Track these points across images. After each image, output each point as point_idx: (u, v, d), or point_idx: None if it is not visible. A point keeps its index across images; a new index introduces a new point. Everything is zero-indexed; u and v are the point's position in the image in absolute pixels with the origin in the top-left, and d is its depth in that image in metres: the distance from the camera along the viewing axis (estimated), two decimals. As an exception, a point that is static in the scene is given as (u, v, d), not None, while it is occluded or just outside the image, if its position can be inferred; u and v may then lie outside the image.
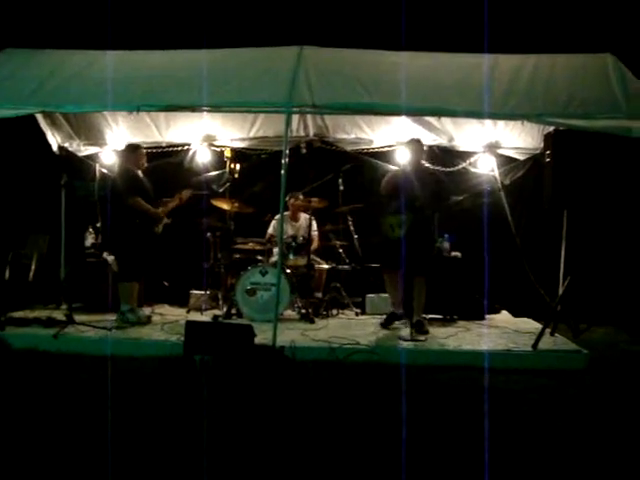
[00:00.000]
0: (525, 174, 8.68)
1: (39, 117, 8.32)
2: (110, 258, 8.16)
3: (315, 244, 8.70)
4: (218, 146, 9.10)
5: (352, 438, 4.14)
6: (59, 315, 7.41)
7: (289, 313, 8.13)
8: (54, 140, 8.82)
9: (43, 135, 8.63)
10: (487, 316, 8.29)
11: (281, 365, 5.54)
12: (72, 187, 8.70)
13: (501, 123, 8.30)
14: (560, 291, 7.11)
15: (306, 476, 3.59)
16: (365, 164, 8.97)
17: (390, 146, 8.93)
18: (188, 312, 8.39)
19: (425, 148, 7.92)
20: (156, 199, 7.64)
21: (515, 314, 8.67)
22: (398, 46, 7.51)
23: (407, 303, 7.38)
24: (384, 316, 7.65)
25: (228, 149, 8.49)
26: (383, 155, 9.02)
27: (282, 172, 6.32)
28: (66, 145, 8.97)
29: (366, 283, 8.70)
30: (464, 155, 8.96)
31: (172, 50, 7.59)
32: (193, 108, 6.81)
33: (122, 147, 8.12)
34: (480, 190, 7.66)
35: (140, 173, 7.60)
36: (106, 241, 8.41)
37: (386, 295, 8.05)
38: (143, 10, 11.32)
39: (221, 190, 8.59)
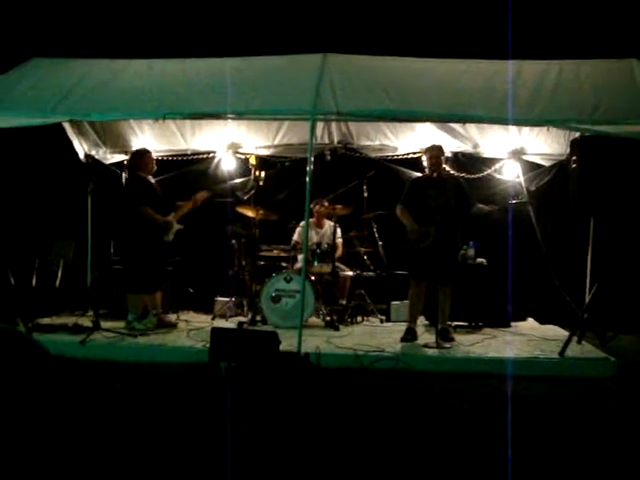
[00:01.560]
0: (551, 180, 8.63)
1: (66, 125, 8.39)
2: None
3: (339, 251, 8.69)
4: (243, 153, 9.15)
5: (377, 445, 4.13)
6: (85, 321, 7.46)
7: (314, 320, 8.12)
8: (81, 148, 8.90)
9: (70, 143, 8.71)
10: (513, 323, 8.23)
11: (306, 372, 5.54)
12: (99, 194, 8.77)
13: (526, 129, 8.27)
14: (587, 298, 7.05)
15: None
16: (390, 171, 8.96)
17: (415, 153, 8.92)
18: (213, 319, 8.41)
19: (448, 154, 7.89)
20: (172, 204, 7.67)
21: (541, 321, 8.60)
22: (421, 53, 7.50)
23: (433, 311, 7.34)
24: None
25: (253, 156, 8.51)
26: (408, 162, 9.00)
27: (307, 179, 6.34)
28: (92, 153, 9.04)
29: (391, 290, 8.67)
30: (489, 162, 8.93)
31: (196, 58, 7.63)
32: (218, 116, 6.85)
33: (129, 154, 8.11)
34: (507, 204, 7.58)
35: (151, 178, 7.63)
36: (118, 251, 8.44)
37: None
38: (168, 19, 11.41)
39: (246, 197, 8.64)
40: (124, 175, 9.16)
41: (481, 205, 7.22)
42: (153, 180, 7.68)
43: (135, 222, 7.32)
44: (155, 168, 7.74)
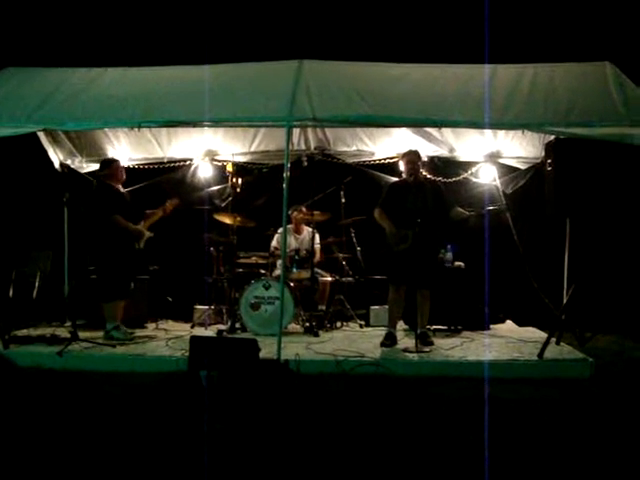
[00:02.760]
0: (527, 183, 8.68)
1: (41, 135, 8.32)
2: None
3: (318, 257, 8.69)
4: (220, 161, 9.13)
5: (358, 450, 4.13)
6: (63, 332, 7.41)
7: (293, 326, 8.12)
8: (56, 157, 8.84)
9: (45, 152, 8.65)
10: (492, 326, 8.28)
11: (286, 379, 5.53)
12: (75, 204, 8.70)
13: (501, 133, 8.32)
14: (565, 299, 7.09)
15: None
16: (367, 176, 8.98)
17: (392, 158, 8.93)
18: (192, 327, 8.39)
19: (424, 159, 7.92)
20: (141, 212, 7.63)
21: (520, 323, 8.65)
22: (397, 58, 7.53)
23: (412, 315, 7.36)
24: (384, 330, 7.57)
25: (230, 164, 8.50)
26: (385, 167, 9.02)
27: (284, 186, 6.34)
28: (68, 162, 8.98)
29: (370, 295, 8.69)
30: (465, 165, 8.97)
31: (172, 66, 7.61)
32: (194, 123, 6.83)
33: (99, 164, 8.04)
34: (485, 211, 7.62)
35: (120, 188, 7.60)
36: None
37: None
38: (143, 27, 11.37)
39: (223, 205, 8.62)
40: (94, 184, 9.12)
41: (460, 209, 7.25)
42: (122, 189, 7.63)
43: (106, 231, 7.29)
44: (124, 177, 7.70)
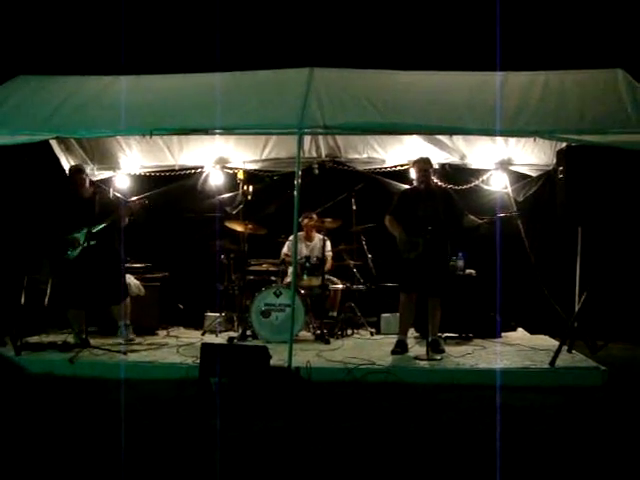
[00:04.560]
0: (538, 190, 8.65)
1: (53, 143, 8.37)
2: (133, 282, 8.17)
3: (329, 264, 8.67)
4: (231, 168, 9.14)
5: (369, 458, 4.12)
6: (75, 339, 7.42)
7: (304, 334, 8.11)
8: (68, 165, 8.86)
9: (57, 160, 8.69)
10: (503, 334, 8.24)
11: (297, 386, 5.52)
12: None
13: (513, 140, 8.29)
14: (576, 307, 7.05)
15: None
16: (378, 183, 8.97)
17: (403, 165, 8.92)
18: (203, 334, 8.38)
19: (435, 166, 7.92)
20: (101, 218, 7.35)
21: (531, 331, 8.61)
22: (408, 65, 7.53)
23: (423, 323, 7.34)
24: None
25: (241, 171, 8.53)
26: (396, 175, 9.01)
27: (295, 193, 6.34)
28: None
29: (380, 302, 8.67)
30: (476, 173, 8.95)
31: (183, 74, 7.63)
32: (206, 131, 6.86)
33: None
34: (496, 218, 7.60)
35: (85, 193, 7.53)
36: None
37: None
38: (154, 35, 11.42)
39: (234, 212, 8.63)
40: (112, 191, 9.14)
41: (471, 217, 7.23)
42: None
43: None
44: (83, 188, 7.55)
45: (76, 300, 7.35)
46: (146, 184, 9.29)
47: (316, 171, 8.90)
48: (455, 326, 7.99)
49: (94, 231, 7.19)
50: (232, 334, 8.13)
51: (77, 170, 7.72)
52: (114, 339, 7.53)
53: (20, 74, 7.79)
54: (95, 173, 9.17)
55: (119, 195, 8.52)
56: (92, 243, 7.27)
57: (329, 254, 8.69)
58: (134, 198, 7.78)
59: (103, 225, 7.28)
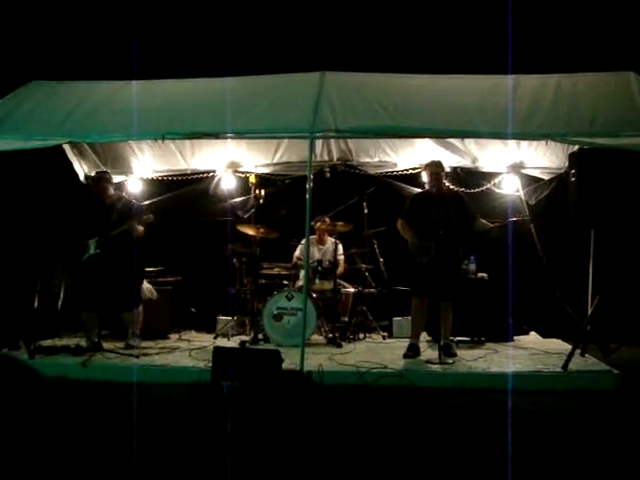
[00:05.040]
0: (550, 194, 8.63)
1: (66, 147, 8.43)
2: (146, 286, 8.19)
3: (341, 268, 8.67)
4: (243, 172, 9.16)
5: (382, 462, 4.11)
6: (88, 342, 7.45)
7: (316, 338, 8.11)
8: (81, 169, 8.93)
9: (70, 165, 8.74)
10: (515, 337, 8.22)
11: (309, 390, 5.52)
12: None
13: (525, 143, 8.28)
14: (589, 311, 7.03)
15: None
16: (389, 187, 8.97)
17: (414, 169, 8.92)
18: (215, 338, 8.41)
19: (447, 169, 7.91)
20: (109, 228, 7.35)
21: (544, 335, 8.58)
22: (419, 69, 7.53)
23: (435, 326, 7.33)
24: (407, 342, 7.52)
25: (253, 175, 8.54)
26: (408, 178, 9.01)
27: (307, 197, 6.35)
28: (93, 174, 9.04)
29: (392, 306, 8.66)
30: (488, 176, 8.93)
31: (195, 78, 7.66)
32: (217, 135, 6.88)
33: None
34: (507, 221, 7.58)
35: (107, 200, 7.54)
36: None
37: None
38: (165, 40, 11.46)
39: (246, 216, 8.65)
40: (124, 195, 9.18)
41: (483, 220, 7.21)
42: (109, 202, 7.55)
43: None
44: (105, 195, 7.55)
45: (90, 303, 7.37)
46: (158, 188, 9.34)
47: (328, 175, 8.89)
48: (467, 330, 7.97)
49: (109, 236, 7.22)
50: (244, 338, 8.12)
51: (100, 178, 7.72)
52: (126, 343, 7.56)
53: (33, 79, 7.84)
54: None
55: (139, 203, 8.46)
56: (98, 251, 7.28)
57: (341, 258, 8.69)
58: (145, 203, 7.77)
59: (117, 231, 7.26)
